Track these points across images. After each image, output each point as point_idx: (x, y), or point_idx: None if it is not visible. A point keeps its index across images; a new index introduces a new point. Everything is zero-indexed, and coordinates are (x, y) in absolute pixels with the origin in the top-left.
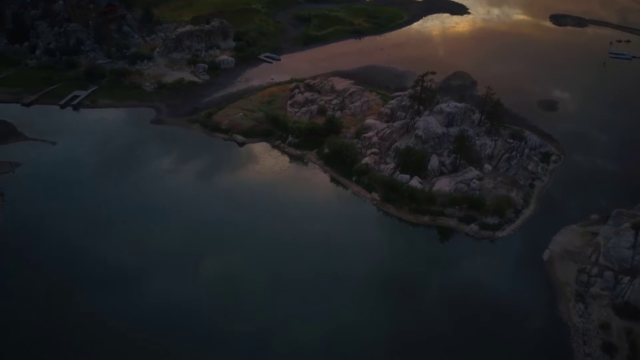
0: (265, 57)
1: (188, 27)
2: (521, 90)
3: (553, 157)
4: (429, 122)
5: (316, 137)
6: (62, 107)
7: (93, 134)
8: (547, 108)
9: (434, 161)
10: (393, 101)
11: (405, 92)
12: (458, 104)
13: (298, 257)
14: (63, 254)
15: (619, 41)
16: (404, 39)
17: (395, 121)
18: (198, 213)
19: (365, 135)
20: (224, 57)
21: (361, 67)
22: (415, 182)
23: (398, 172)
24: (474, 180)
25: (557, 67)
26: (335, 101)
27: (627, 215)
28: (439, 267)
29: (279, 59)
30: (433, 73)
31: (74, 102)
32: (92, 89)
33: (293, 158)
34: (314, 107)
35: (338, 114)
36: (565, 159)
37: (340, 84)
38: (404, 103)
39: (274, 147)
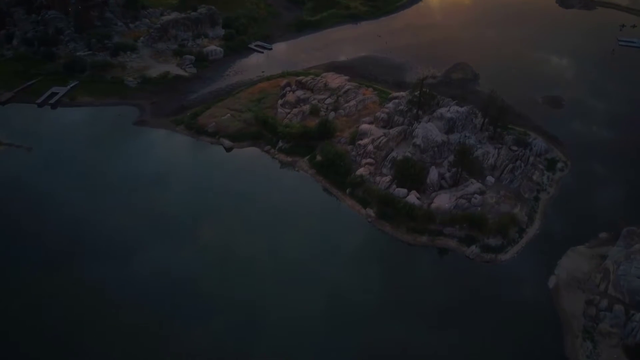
0: (256, 46)
1: (174, 15)
2: (525, 84)
3: (559, 165)
4: (428, 130)
5: (308, 142)
6: (40, 105)
7: (72, 138)
8: (552, 105)
9: (432, 174)
10: (390, 104)
11: (404, 94)
12: (459, 108)
13: (280, 283)
14: (30, 280)
15: (624, 26)
16: (403, 24)
17: (392, 127)
18: (172, 233)
19: (360, 142)
20: (212, 47)
21: (357, 57)
22: (412, 197)
23: (394, 186)
24: (475, 195)
25: (563, 57)
26: (328, 100)
27: (638, 234)
28: (434, 297)
29: (271, 48)
30: (434, 77)
31: (52, 101)
32: (71, 85)
33: (283, 166)
34: (306, 107)
35: (332, 114)
36: (572, 166)
37: (335, 80)
38: (401, 107)
39: (263, 152)
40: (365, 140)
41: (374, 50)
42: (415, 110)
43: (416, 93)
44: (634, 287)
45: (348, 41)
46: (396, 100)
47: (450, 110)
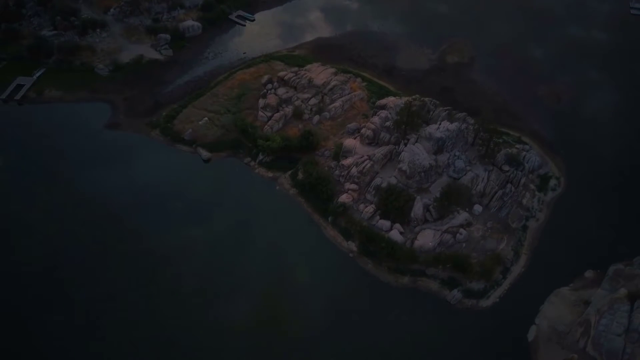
0: (237, 17)
1: None
2: (523, 74)
3: (552, 182)
4: (415, 153)
5: (290, 153)
6: (5, 101)
7: (40, 149)
8: (551, 101)
9: (417, 208)
10: (376, 119)
11: (392, 103)
12: (450, 125)
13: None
14: None
15: None
16: None
17: (377, 143)
18: (136, 271)
19: (344, 163)
20: (189, 22)
21: (346, 32)
22: (396, 232)
23: (378, 217)
24: (460, 230)
25: (565, 39)
26: (313, 101)
27: (624, 276)
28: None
29: (253, 19)
30: (421, 100)
31: (18, 96)
32: (37, 74)
33: (263, 183)
34: (289, 110)
35: (316, 118)
36: (565, 183)
37: (320, 75)
38: (388, 123)
39: (243, 164)
40: (349, 160)
41: (364, 22)
42: (403, 127)
43: (406, 109)
44: (613, 347)
45: (336, 9)
46: (383, 114)
47: (440, 128)
